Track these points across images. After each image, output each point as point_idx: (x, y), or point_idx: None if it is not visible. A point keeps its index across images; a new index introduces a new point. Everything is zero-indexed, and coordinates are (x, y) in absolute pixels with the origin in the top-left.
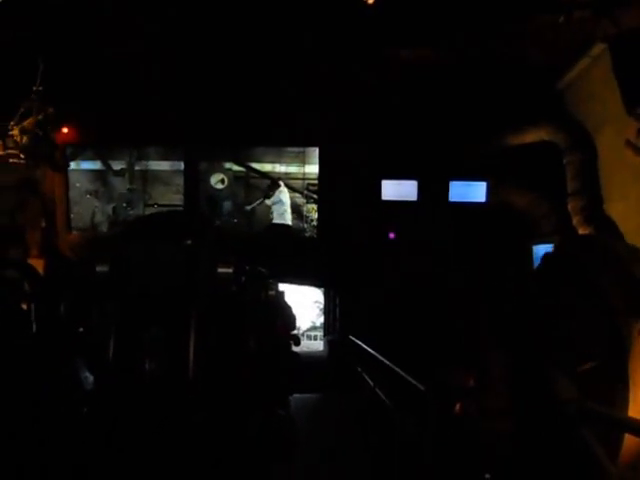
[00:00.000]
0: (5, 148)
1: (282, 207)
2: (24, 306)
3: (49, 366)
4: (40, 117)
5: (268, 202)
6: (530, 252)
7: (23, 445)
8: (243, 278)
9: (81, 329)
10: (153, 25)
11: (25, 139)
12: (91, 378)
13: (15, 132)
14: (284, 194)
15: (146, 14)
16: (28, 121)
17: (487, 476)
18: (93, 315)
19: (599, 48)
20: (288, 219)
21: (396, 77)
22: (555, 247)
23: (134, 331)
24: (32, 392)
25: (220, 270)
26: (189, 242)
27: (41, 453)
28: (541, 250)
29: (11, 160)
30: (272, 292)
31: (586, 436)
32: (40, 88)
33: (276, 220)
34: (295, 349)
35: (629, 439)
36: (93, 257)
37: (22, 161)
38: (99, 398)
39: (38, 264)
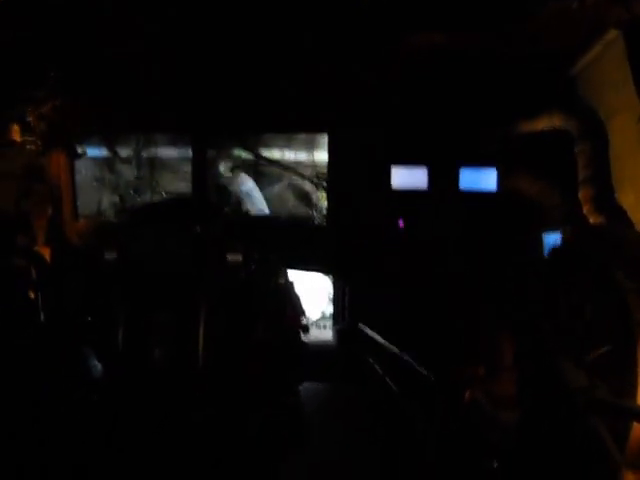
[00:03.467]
0: (22, 134)
1: (252, 198)
2: (32, 294)
3: (58, 355)
4: (57, 103)
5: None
6: (540, 241)
7: (33, 433)
8: (253, 266)
9: (89, 318)
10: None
11: (42, 125)
12: (100, 366)
13: (32, 118)
14: (244, 183)
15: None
16: (45, 107)
17: (494, 464)
18: (101, 303)
19: (613, 34)
20: (264, 207)
21: (406, 63)
22: (564, 235)
23: (143, 318)
24: (41, 382)
25: (229, 257)
26: (197, 229)
27: (51, 441)
28: (552, 239)
29: (27, 146)
30: (282, 280)
31: (595, 425)
32: (57, 74)
33: (255, 212)
34: (304, 338)
35: (637, 427)
36: (101, 244)
37: (39, 147)
38: (108, 386)
39: (45, 252)
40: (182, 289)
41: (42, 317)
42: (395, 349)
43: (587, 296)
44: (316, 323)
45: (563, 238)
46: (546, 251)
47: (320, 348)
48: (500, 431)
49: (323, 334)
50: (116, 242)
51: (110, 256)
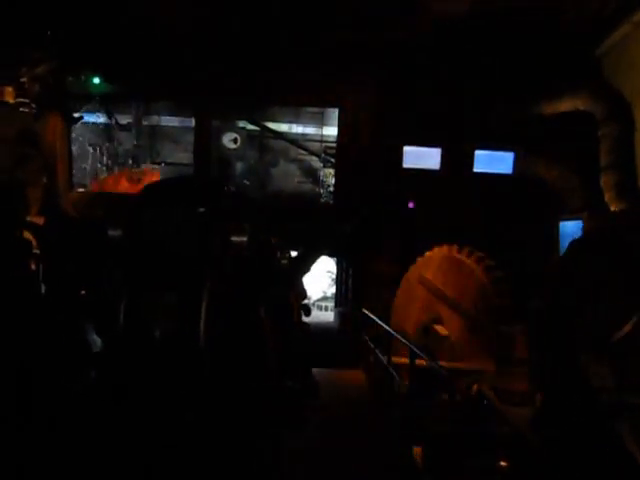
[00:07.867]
0: (15, 96)
1: None
2: (33, 266)
3: (57, 327)
4: (53, 64)
5: None
6: (557, 228)
7: (30, 407)
8: (256, 247)
9: (84, 292)
10: None
11: (36, 87)
12: (99, 341)
13: (26, 79)
14: None
15: None
16: (40, 68)
17: (502, 463)
18: (103, 279)
19: None
20: None
21: (426, 35)
22: (587, 222)
23: (145, 298)
24: (41, 352)
25: (234, 239)
26: (202, 211)
27: (48, 415)
28: (568, 227)
29: (21, 109)
30: (285, 261)
31: (619, 428)
32: (54, 34)
33: None
34: (305, 319)
35: None
36: (104, 220)
37: (33, 110)
38: (107, 361)
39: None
40: (186, 271)
41: (43, 289)
42: (402, 338)
43: (619, 290)
44: (317, 304)
45: (587, 225)
46: (562, 239)
47: (321, 330)
48: (509, 427)
49: (324, 316)
50: (121, 221)
51: (114, 233)
